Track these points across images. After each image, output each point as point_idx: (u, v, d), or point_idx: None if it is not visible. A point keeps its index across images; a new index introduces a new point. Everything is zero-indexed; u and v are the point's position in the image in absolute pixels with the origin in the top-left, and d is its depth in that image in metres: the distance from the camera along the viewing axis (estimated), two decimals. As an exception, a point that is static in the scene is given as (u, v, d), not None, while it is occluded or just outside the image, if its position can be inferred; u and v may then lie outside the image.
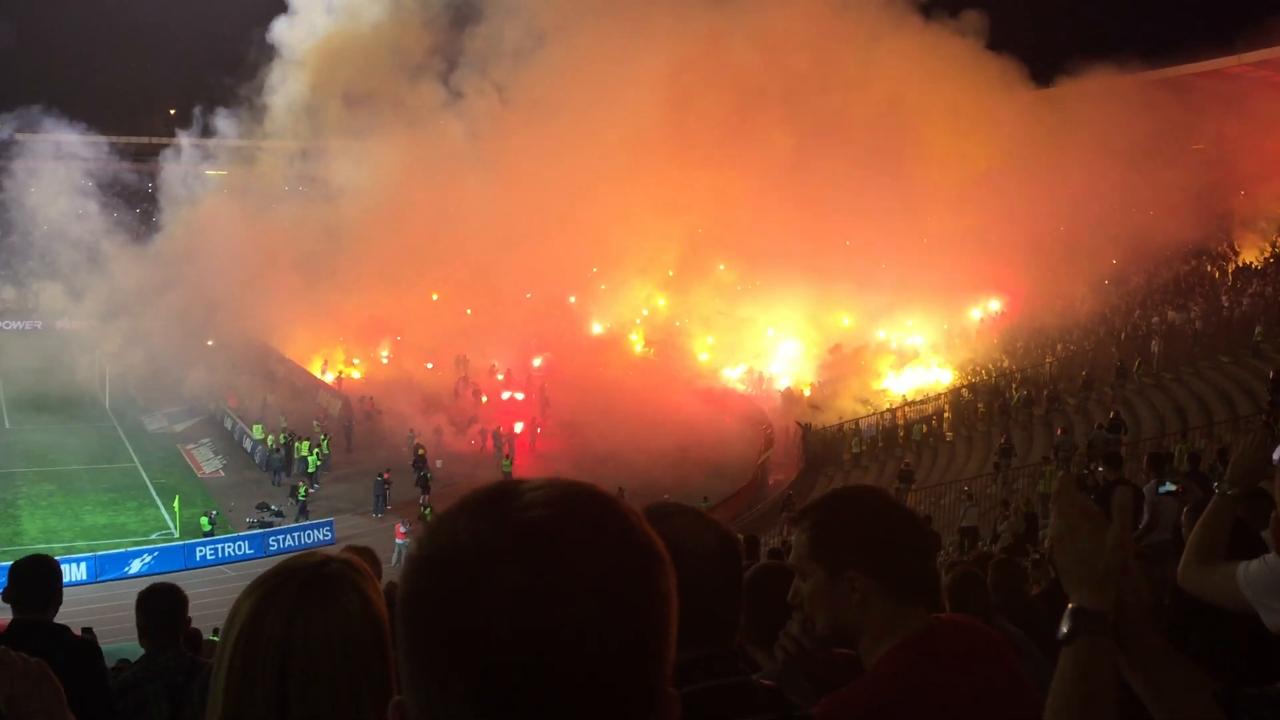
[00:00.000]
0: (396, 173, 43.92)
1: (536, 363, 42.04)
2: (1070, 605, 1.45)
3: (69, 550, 26.07)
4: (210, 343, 42.75)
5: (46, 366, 42.53)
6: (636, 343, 46.57)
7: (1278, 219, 38.85)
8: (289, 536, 27.66)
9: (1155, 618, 1.54)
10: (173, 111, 57.33)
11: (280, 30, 46.75)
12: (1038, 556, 10.13)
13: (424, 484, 29.70)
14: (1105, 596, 1.45)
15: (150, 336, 42.41)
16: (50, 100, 47.01)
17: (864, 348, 41.40)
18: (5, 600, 3.77)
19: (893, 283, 41.09)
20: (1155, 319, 34.28)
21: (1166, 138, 37.21)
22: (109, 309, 44.12)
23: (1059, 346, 35.86)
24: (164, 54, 71.67)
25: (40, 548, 25.07)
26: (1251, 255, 38.64)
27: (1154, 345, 30.26)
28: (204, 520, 27.94)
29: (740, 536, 2.69)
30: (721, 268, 46.18)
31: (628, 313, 46.88)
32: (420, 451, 32.44)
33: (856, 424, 34.07)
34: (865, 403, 37.11)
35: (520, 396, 40.21)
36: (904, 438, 32.86)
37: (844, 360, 40.64)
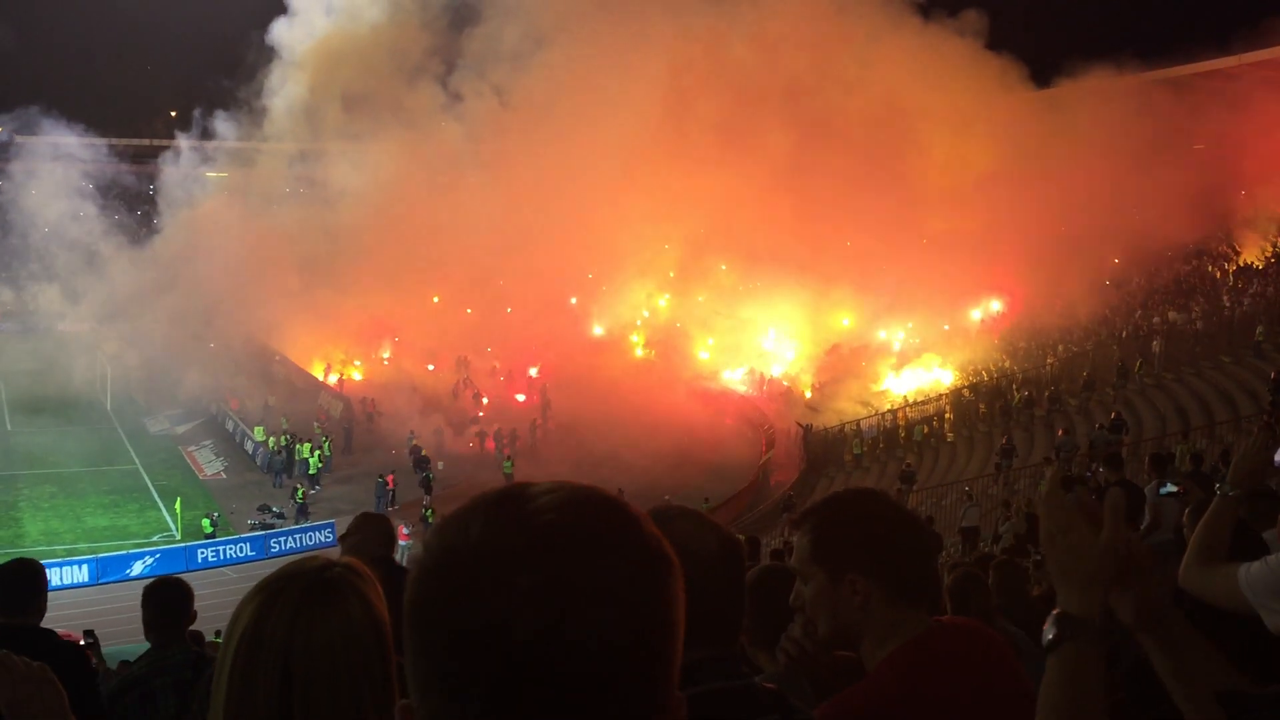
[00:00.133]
0: (396, 174, 43.99)
1: (533, 372, 42.08)
2: (1055, 611, 1.43)
3: (70, 552, 26.12)
4: (211, 345, 42.77)
5: (47, 369, 42.49)
6: (637, 344, 46.56)
7: (1278, 219, 38.79)
8: (290, 538, 27.74)
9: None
10: (173, 113, 57.50)
11: (279, 32, 46.92)
12: (1039, 557, 10.10)
13: (426, 485, 29.75)
14: (1091, 601, 1.41)
15: (151, 338, 42.41)
16: (49, 101, 47.16)
17: (863, 348, 41.40)
18: None
19: (892, 283, 41.09)
20: (1156, 319, 34.28)
21: (1166, 138, 37.10)
22: (109, 311, 44.15)
23: (1060, 347, 35.86)
24: (163, 55, 71.91)
25: (42, 550, 25.16)
26: (1252, 255, 38.57)
27: (1155, 345, 30.24)
28: (205, 522, 27.98)
29: (742, 538, 2.69)
30: (723, 268, 46.19)
31: (628, 314, 46.88)
32: (421, 452, 32.47)
33: (858, 425, 34.08)
34: (865, 404, 37.11)
35: (521, 398, 40.27)
36: (905, 438, 32.87)
37: (842, 361, 40.64)
